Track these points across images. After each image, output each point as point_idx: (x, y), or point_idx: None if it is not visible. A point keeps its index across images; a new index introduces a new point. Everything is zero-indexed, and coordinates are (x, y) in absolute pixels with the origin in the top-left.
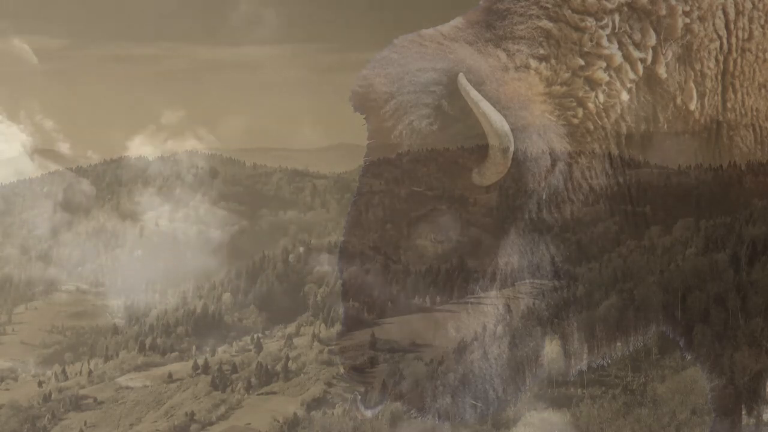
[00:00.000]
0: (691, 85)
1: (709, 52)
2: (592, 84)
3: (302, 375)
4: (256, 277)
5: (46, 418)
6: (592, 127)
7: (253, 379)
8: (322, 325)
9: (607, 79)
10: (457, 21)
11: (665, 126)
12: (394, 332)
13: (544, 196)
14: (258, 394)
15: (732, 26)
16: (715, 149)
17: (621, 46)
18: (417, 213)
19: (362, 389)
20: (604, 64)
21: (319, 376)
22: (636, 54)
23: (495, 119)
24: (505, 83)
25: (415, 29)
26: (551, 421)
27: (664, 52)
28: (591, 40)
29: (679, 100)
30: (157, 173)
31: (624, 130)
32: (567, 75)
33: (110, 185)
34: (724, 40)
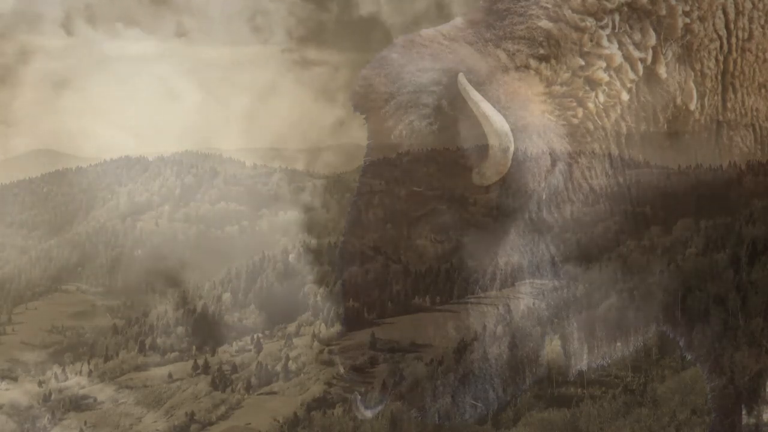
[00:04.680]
0: (691, 85)
1: (709, 52)
2: (592, 84)
3: (302, 375)
4: (256, 277)
5: (46, 418)
6: (592, 127)
7: (253, 379)
8: (322, 325)
9: (607, 79)
10: (457, 21)
11: (665, 126)
12: (394, 332)
13: (544, 196)
14: (258, 394)
15: (732, 26)
16: (715, 149)
17: (621, 46)
18: (417, 213)
19: (362, 389)
20: (604, 64)
21: (319, 376)
22: (636, 54)
23: (495, 119)
24: (505, 83)
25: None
26: (551, 421)
27: (664, 52)
28: (591, 40)
29: (679, 100)
30: (157, 173)
31: (624, 130)
32: (567, 75)
33: (110, 185)
34: (724, 40)
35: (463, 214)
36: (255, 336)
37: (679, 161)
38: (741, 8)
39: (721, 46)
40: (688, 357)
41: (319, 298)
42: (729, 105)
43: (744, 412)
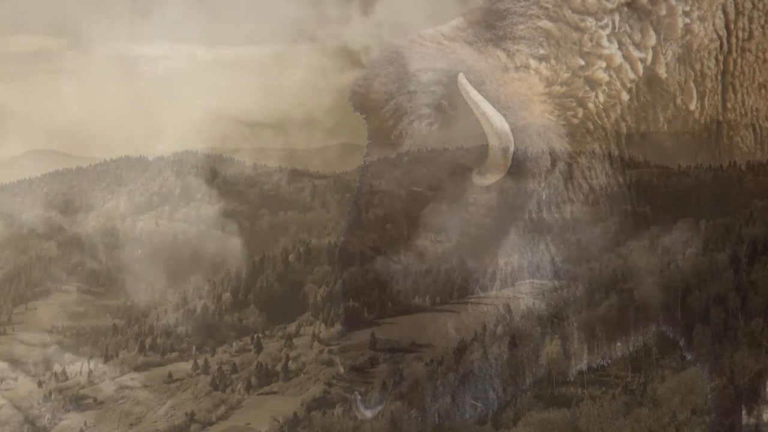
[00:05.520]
0: (691, 85)
1: (709, 52)
2: (592, 84)
3: (302, 375)
4: (256, 277)
5: (46, 418)
6: (592, 127)
7: (253, 379)
8: (322, 325)
9: (607, 79)
10: (457, 21)
11: (665, 126)
12: (394, 332)
13: (544, 196)
14: (258, 394)
15: (732, 26)
16: (715, 149)
17: (621, 46)
18: (417, 213)
19: (362, 389)
20: (604, 64)
21: (319, 376)
22: (636, 54)
23: (495, 119)
24: (505, 83)
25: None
26: (551, 421)
27: (664, 52)
28: (591, 40)
29: (679, 100)
30: (157, 173)
31: (624, 130)
32: (567, 75)
33: (110, 185)
34: (724, 40)
35: (463, 214)
36: (255, 336)
37: (679, 161)
38: (741, 8)
39: (721, 46)
40: (688, 357)
41: (319, 298)
42: (729, 105)
43: (744, 412)
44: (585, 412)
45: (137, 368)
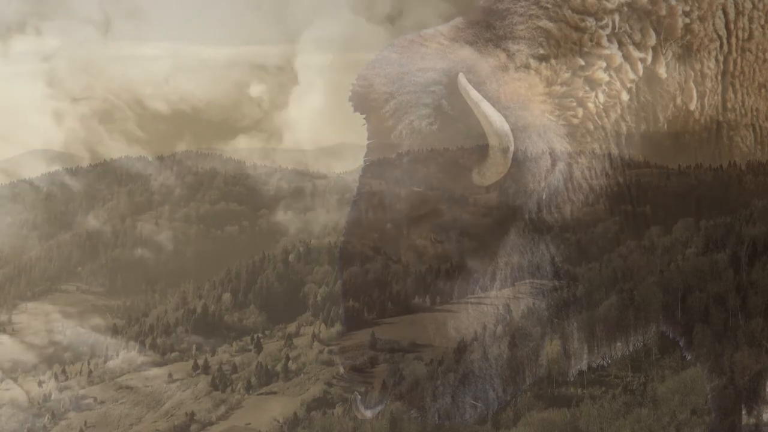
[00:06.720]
0: (691, 85)
1: (709, 52)
2: (592, 84)
3: (302, 375)
4: (256, 277)
5: (46, 418)
6: (592, 127)
7: (253, 379)
8: (322, 325)
9: (607, 79)
10: (457, 21)
11: (665, 126)
12: (394, 332)
13: (544, 196)
14: (258, 394)
15: (732, 26)
16: (715, 149)
17: (621, 46)
18: (417, 213)
19: (362, 389)
20: (604, 64)
21: (319, 376)
22: (636, 54)
23: (495, 119)
24: (505, 83)
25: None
26: (551, 421)
27: (664, 52)
28: (591, 40)
29: (679, 100)
30: (157, 173)
31: (624, 130)
32: (567, 75)
33: (110, 185)
34: (724, 40)
35: (463, 214)
36: (255, 336)
37: (679, 161)
38: (741, 8)
39: (721, 46)
40: (688, 357)
41: (319, 298)
42: (729, 105)
43: (744, 412)
44: (585, 412)
45: (137, 368)
